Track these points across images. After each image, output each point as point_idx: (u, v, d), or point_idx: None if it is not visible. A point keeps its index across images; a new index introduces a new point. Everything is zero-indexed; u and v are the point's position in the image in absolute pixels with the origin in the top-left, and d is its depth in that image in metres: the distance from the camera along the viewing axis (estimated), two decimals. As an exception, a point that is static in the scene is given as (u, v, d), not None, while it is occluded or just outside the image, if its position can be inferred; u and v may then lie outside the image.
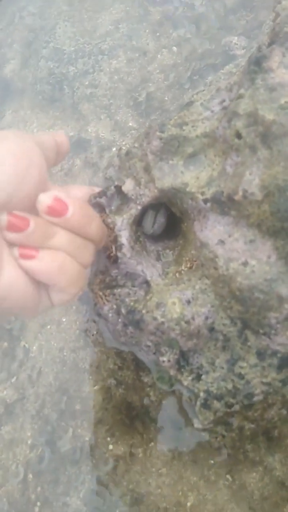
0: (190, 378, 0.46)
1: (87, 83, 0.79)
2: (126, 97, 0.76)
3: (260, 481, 0.54)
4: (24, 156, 0.34)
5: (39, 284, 0.36)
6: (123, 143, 0.73)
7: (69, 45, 0.84)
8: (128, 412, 0.59)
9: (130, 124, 0.74)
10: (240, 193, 0.38)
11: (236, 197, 0.38)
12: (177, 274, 0.47)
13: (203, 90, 0.58)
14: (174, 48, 0.77)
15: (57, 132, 0.42)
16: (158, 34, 0.80)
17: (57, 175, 0.76)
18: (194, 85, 0.74)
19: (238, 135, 0.39)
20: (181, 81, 0.75)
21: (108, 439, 0.62)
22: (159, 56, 0.77)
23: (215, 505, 0.56)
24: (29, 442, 0.66)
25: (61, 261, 0.34)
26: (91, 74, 0.80)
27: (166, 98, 0.74)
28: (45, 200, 0.34)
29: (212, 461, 0.57)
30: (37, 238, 0.34)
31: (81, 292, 0.38)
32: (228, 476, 0.56)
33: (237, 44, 0.71)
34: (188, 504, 0.57)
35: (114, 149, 0.74)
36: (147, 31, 0.81)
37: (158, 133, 0.45)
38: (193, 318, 0.42)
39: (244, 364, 0.44)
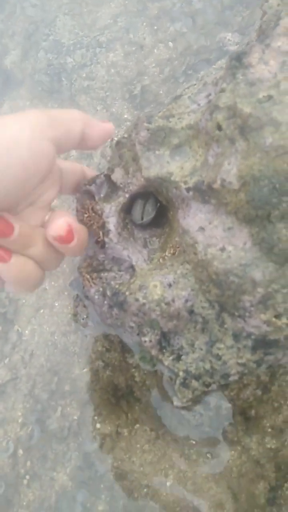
0: (170, 358, 0.49)
1: (84, 75, 0.81)
2: (122, 89, 0.77)
3: (238, 459, 0.57)
4: (32, 166, 0.33)
5: None
6: (118, 134, 0.75)
7: (68, 38, 0.86)
8: (114, 392, 0.62)
9: (125, 116, 0.76)
10: (219, 182, 0.40)
11: (215, 186, 0.41)
12: (161, 260, 0.49)
13: (195, 84, 0.60)
14: (170, 44, 0.79)
15: (101, 123, 0.42)
16: (155, 27, 0.82)
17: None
18: (188, 79, 0.76)
19: (219, 127, 0.41)
20: (175, 75, 0.76)
21: (96, 418, 0.65)
22: (155, 50, 0.79)
23: (194, 485, 0.59)
24: (19, 420, 0.69)
25: (28, 271, 0.35)
26: (88, 67, 0.82)
27: (161, 92, 0.76)
28: (58, 232, 0.35)
29: (193, 442, 0.59)
30: (16, 246, 0.35)
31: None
32: (208, 455, 0.59)
33: (230, 40, 0.73)
34: (168, 484, 0.60)
35: (109, 140, 0.75)
36: (144, 24, 0.82)
37: (145, 124, 0.48)
38: (173, 301, 0.45)
39: (222, 346, 0.46)
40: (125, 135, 0.53)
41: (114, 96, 0.79)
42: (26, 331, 0.76)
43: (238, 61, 0.40)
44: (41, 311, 0.76)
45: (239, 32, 0.79)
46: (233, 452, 0.58)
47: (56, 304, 0.76)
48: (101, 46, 0.83)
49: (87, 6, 0.90)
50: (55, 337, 0.73)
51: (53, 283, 0.77)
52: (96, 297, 0.50)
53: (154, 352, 0.48)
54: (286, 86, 0.38)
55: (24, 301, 0.79)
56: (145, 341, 0.48)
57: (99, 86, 0.80)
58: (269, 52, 0.40)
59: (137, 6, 0.85)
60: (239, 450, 0.57)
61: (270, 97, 0.38)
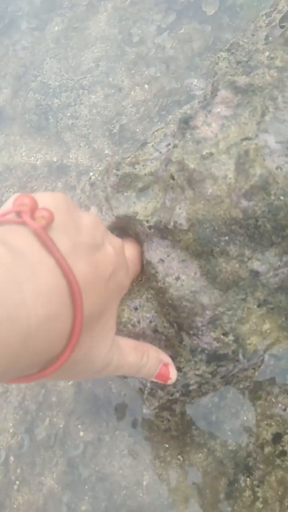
0: (139, 371, 0.56)
1: (69, 114, 0.90)
2: (102, 128, 0.86)
3: (205, 460, 0.64)
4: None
5: None
6: (99, 168, 0.83)
7: (55, 80, 0.95)
8: (94, 402, 0.69)
9: (106, 151, 0.84)
10: (172, 223, 0.48)
11: (169, 226, 0.49)
12: (130, 286, 0.57)
13: (163, 128, 0.68)
14: (146, 86, 0.88)
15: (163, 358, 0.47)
16: (132, 71, 0.91)
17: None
18: (162, 119, 0.85)
19: (172, 177, 0.50)
20: (150, 115, 0.85)
21: (79, 426, 0.72)
22: (132, 92, 0.88)
23: (168, 485, 0.66)
24: (11, 430, 0.75)
25: None
26: (73, 107, 0.91)
27: (137, 130, 0.85)
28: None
29: (167, 445, 0.67)
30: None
31: None
32: (179, 457, 0.66)
33: (196, 85, 0.82)
34: (144, 483, 0.67)
35: (91, 173, 0.84)
36: (123, 69, 0.91)
37: (114, 171, 0.56)
38: (138, 322, 0.53)
39: (182, 359, 0.54)
40: (99, 178, 0.61)
41: (95, 134, 0.88)
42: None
43: (185, 123, 0.49)
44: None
45: (207, 75, 0.89)
46: (200, 454, 0.65)
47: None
48: (84, 88, 0.92)
49: (72, 50, 1.00)
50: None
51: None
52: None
53: (124, 366, 0.56)
54: (223, 146, 0.47)
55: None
56: (116, 357, 0.55)
57: (82, 124, 0.89)
58: (211, 116, 0.49)
59: (116, 51, 0.95)
60: (205, 452, 0.64)
61: (211, 154, 0.47)
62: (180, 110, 0.75)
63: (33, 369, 0.27)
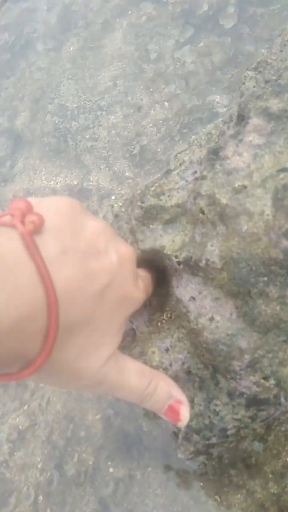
0: (172, 414, 0.53)
1: (88, 136, 0.88)
2: (122, 149, 0.84)
3: (243, 502, 0.60)
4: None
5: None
6: (121, 191, 0.81)
7: (72, 102, 0.94)
8: (125, 440, 0.66)
9: (127, 174, 0.82)
10: (204, 261, 0.45)
11: (201, 264, 0.46)
12: (159, 323, 0.54)
13: (186, 150, 0.65)
14: (166, 104, 0.85)
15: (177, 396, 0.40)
16: (151, 89, 0.89)
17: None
18: (184, 138, 0.82)
19: (202, 211, 0.46)
20: (171, 134, 0.82)
21: (109, 463, 0.69)
22: (152, 111, 0.86)
23: (206, 526, 0.62)
24: (39, 466, 0.73)
25: None
26: (91, 129, 0.89)
27: (159, 150, 0.82)
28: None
29: (201, 484, 0.63)
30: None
31: None
32: (216, 497, 0.62)
33: (219, 102, 0.79)
34: (180, 525, 0.63)
35: (113, 197, 0.82)
36: (141, 87, 0.89)
37: (139, 203, 0.53)
38: (170, 365, 0.50)
39: (218, 403, 0.50)
40: (123, 209, 0.58)
41: (115, 156, 0.85)
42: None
43: (215, 154, 0.46)
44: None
45: (229, 89, 0.85)
46: (239, 495, 0.61)
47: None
48: (102, 109, 0.91)
49: (89, 70, 0.98)
50: (70, 384, 0.77)
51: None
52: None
53: (156, 409, 0.53)
54: (257, 178, 0.43)
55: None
56: (147, 400, 0.52)
57: (101, 146, 0.87)
58: (242, 146, 0.46)
59: (134, 69, 0.92)
60: (244, 493, 0.60)
61: (244, 187, 0.44)
62: (204, 130, 0.72)
63: (12, 367, 0.28)
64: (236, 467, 0.57)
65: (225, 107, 0.79)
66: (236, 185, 0.44)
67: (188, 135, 0.82)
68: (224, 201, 0.43)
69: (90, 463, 0.70)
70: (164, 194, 0.54)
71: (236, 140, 0.46)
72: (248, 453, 0.54)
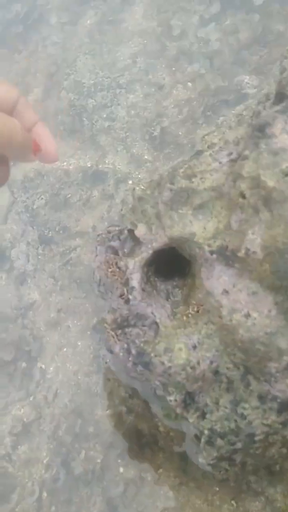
0: (195, 415, 0.49)
1: (105, 116, 0.83)
2: (141, 130, 0.79)
3: (262, 510, 0.57)
4: None
5: None
6: (139, 176, 0.76)
7: (89, 78, 0.88)
8: (138, 439, 0.62)
9: (146, 157, 0.77)
10: (243, 251, 0.41)
11: (239, 254, 0.41)
12: (184, 317, 0.50)
13: (214, 132, 0.60)
14: (189, 84, 0.80)
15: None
16: (173, 68, 0.83)
17: (75, 205, 0.79)
18: (208, 121, 0.76)
19: (243, 195, 0.42)
20: (194, 116, 0.77)
21: (119, 461, 0.65)
22: (174, 91, 0.80)
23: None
24: (45, 461, 0.70)
25: None
26: (109, 108, 0.84)
27: (180, 133, 0.77)
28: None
29: (217, 488, 0.59)
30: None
31: None
32: (233, 502, 0.59)
33: (248, 83, 0.73)
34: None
35: (130, 182, 0.77)
36: (163, 65, 0.84)
37: (168, 185, 0.48)
38: (198, 363, 0.45)
39: (247, 406, 0.46)
40: (148, 192, 0.54)
41: (134, 137, 0.80)
42: (50, 369, 0.77)
43: (260, 131, 0.41)
44: (64, 349, 0.77)
45: (258, 71, 0.80)
46: (257, 502, 0.57)
47: (79, 344, 0.77)
48: (121, 87, 0.85)
49: (107, 45, 0.93)
50: (78, 377, 0.74)
51: (76, 321, 0.78)
52: (121, 354, 0.51)
53: (179, 410, 0.49)
54: (310, 159, 0.39)
55: (48, 338, 0.80)
56: (170, 400, 0.48)
57: (119, 127, 0.82)
58: (292, 123, 0.41)
59: (156, 46, 0.87)
60: (263, 501, 0.57)
61: (293, 169, 0.39)
62: (233, 111, 0.66)
63: None
64: (259, 473, 0.53)
65: (254, 88, 0.74)
66: (284, 166, 0.40)
67: (212, 118, 0.76)
68: (271, 183, 0.38)
69: (99, 461, 0.66)
70: (195, 176, 0.49)
71: (285, 116, 0.41)
72: (274, 460, 0.50)
